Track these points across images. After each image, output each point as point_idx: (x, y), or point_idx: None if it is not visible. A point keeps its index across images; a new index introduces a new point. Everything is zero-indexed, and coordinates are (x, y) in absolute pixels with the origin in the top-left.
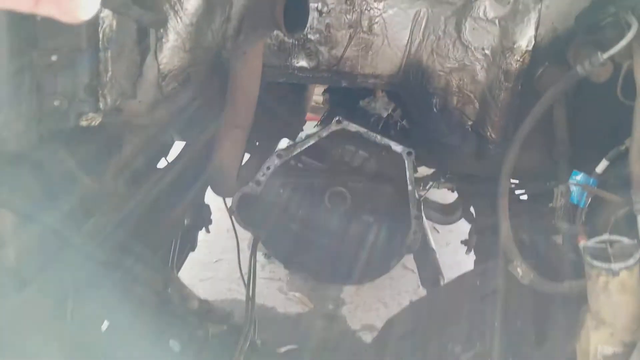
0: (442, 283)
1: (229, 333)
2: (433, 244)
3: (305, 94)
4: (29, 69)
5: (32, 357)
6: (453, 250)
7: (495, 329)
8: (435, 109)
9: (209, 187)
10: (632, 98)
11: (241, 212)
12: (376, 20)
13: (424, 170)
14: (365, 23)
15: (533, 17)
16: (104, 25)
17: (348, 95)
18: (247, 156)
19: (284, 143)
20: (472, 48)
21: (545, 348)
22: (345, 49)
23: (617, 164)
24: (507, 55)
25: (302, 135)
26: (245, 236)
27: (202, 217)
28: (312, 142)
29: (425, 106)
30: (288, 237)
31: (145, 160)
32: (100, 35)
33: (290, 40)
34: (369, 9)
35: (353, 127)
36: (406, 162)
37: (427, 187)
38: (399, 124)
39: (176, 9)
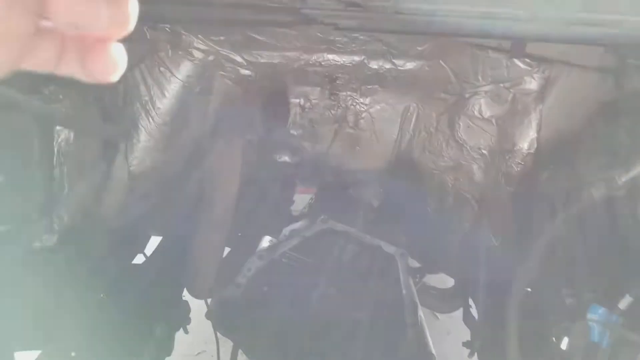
0: None
1: None
2: (432, 348)
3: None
4: None
5: None
6: (454, 339)
7: None
8: (428, 209)
9: None
10: None
11: (220, 317)
12: (362, 116)
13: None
14: (351, 118)
15: (534, 118)
16: (59, 140)
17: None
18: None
19: (265, 242)
20: (468, 147)
21: None
22: (330, 144)
23: None
24: (507, 157)
25: (286, 231)
26: None
27: (180, 317)
28: (295, 242)
29: (418, 205)
30: (272, 341)
31: (118, 259)
32: (55, 150)
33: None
34: (354, 104)
35: (340, 227)
36: (399, 264)
37: (423, 277)
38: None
39: (147, 108)
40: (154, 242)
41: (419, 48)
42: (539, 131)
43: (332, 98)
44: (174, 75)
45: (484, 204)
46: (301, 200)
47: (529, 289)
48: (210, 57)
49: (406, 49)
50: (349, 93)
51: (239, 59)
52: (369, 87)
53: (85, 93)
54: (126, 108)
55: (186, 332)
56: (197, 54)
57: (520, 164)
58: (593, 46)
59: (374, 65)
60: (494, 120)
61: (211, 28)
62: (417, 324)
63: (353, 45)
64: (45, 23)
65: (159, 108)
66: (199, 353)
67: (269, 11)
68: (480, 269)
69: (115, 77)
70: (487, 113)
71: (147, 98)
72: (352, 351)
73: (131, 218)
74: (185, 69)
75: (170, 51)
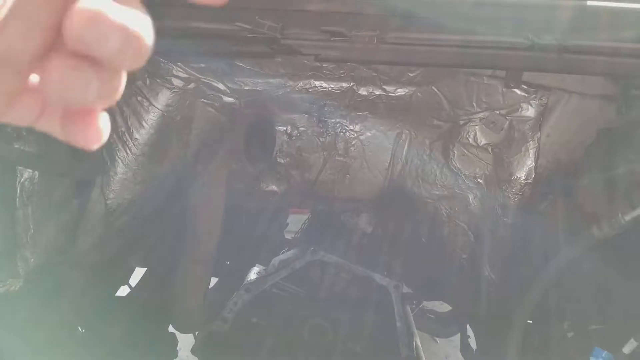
0: None
1: None
2: None
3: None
4: None
5: None
6: None
7: None
8: (423, 239)
9: None
10: None
11: (207, 352)
12: (353, 143)
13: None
14: (340, 146)
15: (532, 146)
16: (22, 179)
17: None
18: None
19: (253, 273)
20: (463, 176)
21: None
22: (319, 172)
23: None
24: (504, 187)
25: (275, 261)
26: None
27: (166, 351)
28: (284, 274)
29: (411, 235)
30: None
31: (99, 293)
32: (18, 190)
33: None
34: (344, 131)
35: (330, 257)
36: (393, 296)
37: (420, 304)
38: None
39: (124, 139)
40: (139, 273)
41: (410, 74)
42: (536, 160)
43: (321, 125)
44: (153, 105)
45: (480, 235)
46: (296, 220)
47: (530, 321)
48: (191, 85)
49: (396, 76)
50: (338, 120)
51: (221, 86)
52: (359, 113)
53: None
54: None
55: None
56: (177, 82)
57: (518, 194)
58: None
59: (363, 91)
60: (489, 148)
61: (192, 56)
62: (412, 357)
63: (341, 71)
64: (32, 82)
65: (136, 139)
66: None
67: (248, 42)
68: (476, 300)
69: (96, 146)
70: (482, 141)
71: (123, 129)
72: None
73: (110, 252)
74: (164, 97)
75: (148, 80)
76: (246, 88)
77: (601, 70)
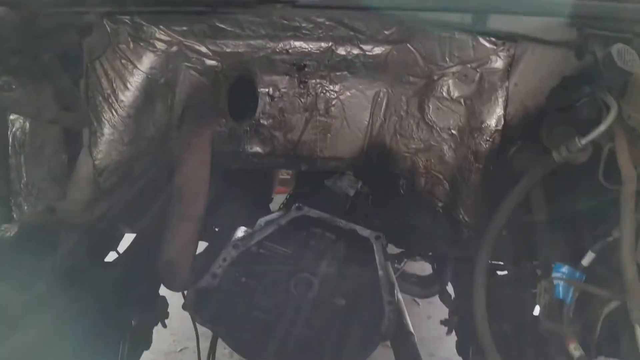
0: None
1: None
2: (410, 327)
3: (270, 175)
4: None
5: None
6: (435, 323)
7: None
8: (402, 191)
9: None
10: (615, 182)
11: (198, 308)
12: (333, 103)
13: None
14: (321, 106)
15: (501, 95)
16: (14, 129)
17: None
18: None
19: (240, 232)
20: (438, 128)
21: None
22: (301, 132)
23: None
24: (475, 135)
25: (261, 221)
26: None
27: (157, 312)
28: (271, 230)
29: (391, 188)
30: (251, 329)
31: (89, 257)
32: (10, 140)
33: (242, 127)
34: (324, 91)
35: (315, 213)
36: (375, 246)
37: (402, 264)
38: (369, 197)
39: (110, 101)
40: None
41: (386, 32)
42: (505, 108)
43: (302, 86)
44: (137, 68)
45: (455, 182)
46: (279, 199)
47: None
48: (174, 48)
49: (373, 34)
50: (318, 80)
51: (203, 49)
52: (338, 73)
53: (41, 83)
54: (87, 101)
55: (164, 326)
56: (160, 45)
57: (489, 140)
58: (556, 21)
59: (341, 51)
60: (462, 101)
61: (174, 18)
62: (394, 303)
63: (319, 31)
64: None
65: (122, 101)
66: (181, 349)
67: None
68: (453, 246)
69: None
70: (455, 94)
71: (109, 91)
72: (332, 334)
73: (99, 214)
74: (147, 60)
75: (131, 43)
76: (228, 50)
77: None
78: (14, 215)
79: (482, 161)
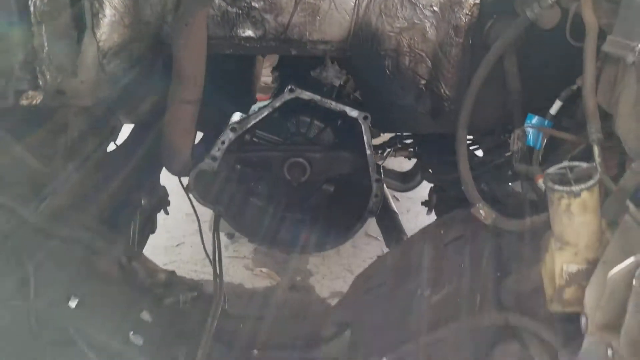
0: None
1: (200, 300)
2: (395, 207)
3: (253, 69)
4: None
5: None
6: (414, 215)
7: (462, 270)
8: (387, 71)
9: (163, 168)
10: (581, 40)
11: (199, 189)
12: None
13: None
14: None
15: None
16: None
17: (298, 68)
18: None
19: (236, 116)
20: (421, 6)
21: (509, 280)
22: (291, 15)
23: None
24: (455, 10)
25: (254, 107)
26: (207, 217)
27: (160, 199)
28: (266, 112)
29: (377, 69)
30: (249, 210)
31: (94, 144)
32: (32, 9)
33: (234, 10)
34: None
35: (306, 94)
36: (363, 126)
37: (385, 155)
38: (351, 95)
39: None
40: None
41: None
42: None
43: None
44: None
45: (437, 59)
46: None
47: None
48: None
49: None
50: None
51: None
52: None
53: None
54: None
55: (167, 212)
56: None
57: (468, 15)
58: None
59: None
60: None
61: None
62: (381, 180)
63: None
64: None
65: None
66: (178, 244)
67: None
68: (434, 122)
69: None
70: None
71: None
72: (326, 212)
73: (104, 97)
74: None
75: None
76: None
77: None
78: (40, 82)
79: (462, 35)
